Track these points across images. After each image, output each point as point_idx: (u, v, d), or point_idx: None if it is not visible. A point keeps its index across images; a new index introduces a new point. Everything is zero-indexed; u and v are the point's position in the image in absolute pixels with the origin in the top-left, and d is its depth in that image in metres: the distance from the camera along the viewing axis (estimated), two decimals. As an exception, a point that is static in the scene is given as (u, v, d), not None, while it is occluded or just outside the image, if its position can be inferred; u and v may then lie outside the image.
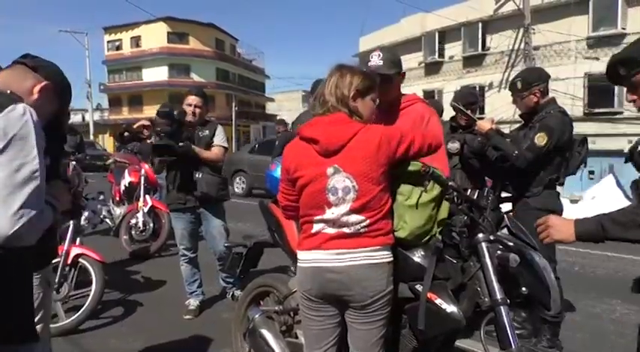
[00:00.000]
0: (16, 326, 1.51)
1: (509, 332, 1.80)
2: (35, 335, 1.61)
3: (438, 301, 1.87)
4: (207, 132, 4.03)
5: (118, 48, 41.66)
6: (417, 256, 2.02)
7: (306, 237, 1.96)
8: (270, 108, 50.03)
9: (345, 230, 1.87)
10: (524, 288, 1.86)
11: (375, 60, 2.49)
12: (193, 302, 4.12)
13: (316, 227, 1.92)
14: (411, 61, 26.68)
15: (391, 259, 1.91)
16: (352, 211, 1.85)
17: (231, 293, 4.17)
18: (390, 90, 2.52)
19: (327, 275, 1.89)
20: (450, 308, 1.85)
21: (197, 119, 4.02)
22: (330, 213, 1.88)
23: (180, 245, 4.10)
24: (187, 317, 4.03)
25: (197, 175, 3.88)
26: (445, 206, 2.02)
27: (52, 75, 1.69)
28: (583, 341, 3.73)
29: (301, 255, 1.98)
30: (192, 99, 4.00)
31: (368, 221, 1.86)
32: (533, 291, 1.87)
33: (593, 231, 1.72)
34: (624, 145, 19.74)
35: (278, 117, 9.61)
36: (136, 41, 40.50)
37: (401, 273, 2.02)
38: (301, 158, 1.96)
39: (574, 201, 12.25)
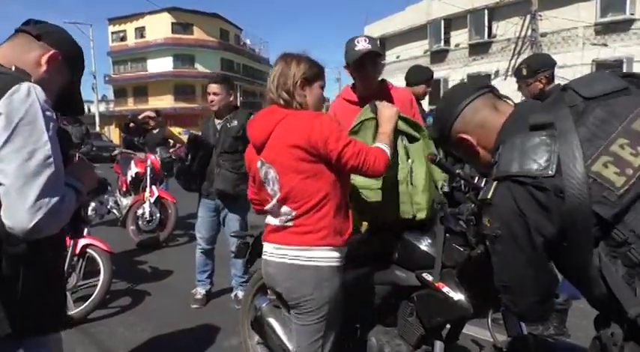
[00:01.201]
0: (51, 315, 1.47)
1: (516, 319, 1.80)
2: (66, 321, 1.59)
3: (446, 289, 1.87)
4: (235, 123, 3.84)
5: (123, 39, 41.63)
6: (424, 245, 2.01)
7: (265, 227, 2.00)
8: (275, 97, 49.87)
9: (277, 222, 1.86)
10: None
11: (363, 43, 2.54)
12: (200, 291, 4.13)
13: (267, 218, 1.95)
14: (416, 49, 26.55)
15: (323, 264, 1.80)
16: (280, 202, 1.85)
17: (234, 294, 4.12)
18: (377, 72, 2.63)
19: (268, 268, 1.92)
20: (458, 296, 1.84)
21: (218, 107, 3.88)
22: (269, 205, 1.90)
23: (198, 233, 4.11)
24: (194, 306, 4.05)
25: (217, 170, 3.86)
26: (436, 169, 2.07)
27: (60, 42, 1.45)
28: (590, 329, 3.71)
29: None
30: (209, 87, 3.94)
31: (294, 213, 1.82)
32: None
33: None
34: (632, 132, 19.58)
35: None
36: (140, 32, 40.44)
37: (408, 262, 2.02)
38: (249, 153, 2.00)
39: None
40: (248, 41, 46.82)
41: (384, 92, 2.74)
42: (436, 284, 1.89)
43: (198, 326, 3.64)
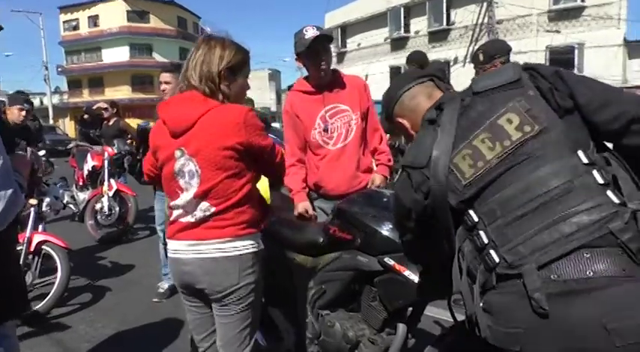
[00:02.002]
0: (14, 301, 1.49)
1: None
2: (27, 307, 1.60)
3: (407, 272, 1.89)
4: None
5: (75, 28, 40.20)
6: (386, 229, 2.03)
7: (169, 224, 1.88)
8: (236, 87, 49.29)
9: (191, 219, 1.76)
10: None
11: (312, 31, 2.55)
12: (164, 285, 4.07)
13: (174, 213, 1.82)
14: (377, 36, 26.65)
15: (246, 251, 1.78)
16: (197, 197, 1.73)
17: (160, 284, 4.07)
18: (330, 57, 2.64)
19: (181, 266, 1.82)
20: (419, 278, 1.87)
21: (170, 97, 3.81)
22: (180, 199, 1.77)
23: (158, 226, 4.03)
24: (156, 299, 3.99)
25: None
26: None
27: None
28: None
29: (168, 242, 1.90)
30: (161, 76, 3.84)
31: (214, 209, 1.73)
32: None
33: None
34: (584, 116, 20.32)
35: (245, 97, 9.45)
36: (93, 21, 39.14)
37: (370, 247, 2.04)
38: (158, 138, 1.84)
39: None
40: (208, 29, 45.89)
41: (338, 80, 2.75)
42: (397, 268, 1.91)
43: (161, 320, 3.59)
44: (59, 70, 40.82)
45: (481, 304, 1.20)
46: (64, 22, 40.68)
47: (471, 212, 1.23)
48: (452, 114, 1.31)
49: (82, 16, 39.58)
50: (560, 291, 1.06)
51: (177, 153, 1.75)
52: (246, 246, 1.78)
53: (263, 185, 2.16)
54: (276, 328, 2.50)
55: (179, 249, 1.81)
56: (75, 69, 40.27)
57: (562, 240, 1.08)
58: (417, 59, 4.49)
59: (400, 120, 1.57)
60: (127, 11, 37.52)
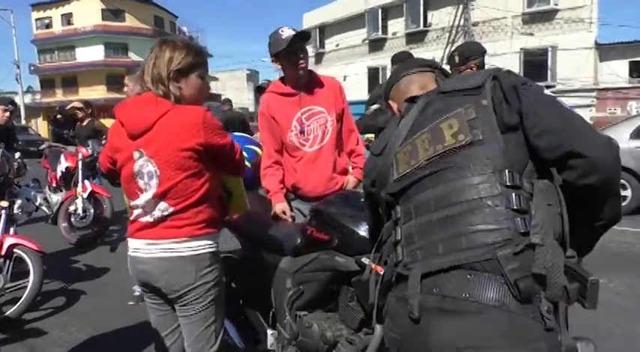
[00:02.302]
0: None
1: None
2: None
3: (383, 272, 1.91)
4: None
5: (48, 26, 39.32)
6: (363, 230, 2.04)
7: (130, 223, 1.89)
8: (214, 87, 48.91)
9: (149, 218, 1.77)
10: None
11: (288, 31, 2.55)
12: (139, 288, 4.01)
13: (134, 213, 1.84)
14: (354, 37, 26.76)
15: (203, 251, 1.79)
16: (156, 197, 1.75)
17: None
18: (307, 57, 2.65)
19: (139, 265, 1.83)
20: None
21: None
22: (140, 199, 1.78)
23: None
24: (131, 303, 3.94)
25: None
26: None
27: None
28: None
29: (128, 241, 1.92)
30: (125, 79, 3.79)
31: (172, 209, 1.74)
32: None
33: None
34: (557, 117, 20.77)
35: (223, 97, 9.37)
36: (67, 19, 38.34)
37: (348, 248, 2.05)
38: (117, 140, 1.84)
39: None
40: (185, 29, 45.47)
41: (314, 81, 2.75)
42: (374, 268, 1.92)
43: (136, 324, 3.53)
44: (32, 68, 39.87)
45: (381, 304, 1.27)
46: (36, 19, 39.76)
47: (398, 207, 1.26)
48: (416, 109, 1.35)
49: (55, 14, 38.75)
50: (435, 307, 1.07)
51: (136, 155, 1.76)
52: (202, 246, 1.79)
53: (239, 187, 2.15)
54: (253, 329, 2.50)
55: (137, 247, 1.83)
56: (48, 68, 39.38)
57: (451, 254, 1.08)
58: (402, 59, 4.54)
59: (390, 102, 1.63)
60: (102, 9, 36.87)
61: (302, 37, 2.58)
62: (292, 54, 2.57)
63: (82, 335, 3.39)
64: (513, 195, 1.08)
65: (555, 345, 1.01)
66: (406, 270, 1.16)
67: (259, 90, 5.81)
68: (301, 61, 2.61)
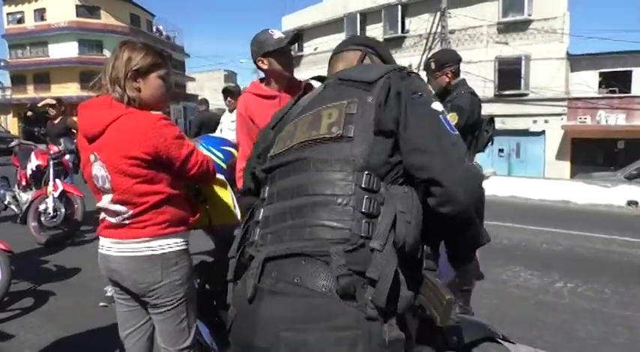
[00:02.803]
0: None
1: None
2: None
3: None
4: None
5: (20, 21, 38.36)
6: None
7: (100, 221, 1.90)
8: (191, 87, 48.48)
9: (113, 220, 1.78)
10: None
11: (278, 33, 2.56)
12: (112, 289, 3.95)
13: (102, 213, 1.85)
14: (333, 41, 26.79)
15: (170, 250, 1.79)
16: (114, 202, 1.75)
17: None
18: (292, 59, 2.65)
19: (107, 263, 1.84)
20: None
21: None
22: (102, 201, 1.80)
23: None
24: (102, 304, 3.86)
25: None
26: None
27: None
28: (491, 306, 4.02)
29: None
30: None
31: (130, 212, 1.74)
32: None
33: None
34: (529, 125, 21.22)
35: (200, 97, 9.26)
36: (40, 14, 37.48)
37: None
38: (80, 141, 1.86)
39: (485, 178, 13.02)
40: (161, 28, 44.95)
41: (295, 84, 2.72)
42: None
43: (108, 325, 3.47)
44: (2, 64, 38.85)
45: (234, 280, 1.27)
46: (7, 14, 38.77)
47: (266, 187, 1.27)
48: (317, 90, 1.37)
49: (28, 8, 37.85)
50: (268, 289, 1.11)
51: (92, 158, 1.77)
52: (170, 244, 1.79)
53: (219, 195, 2.14)
54: (228, 331, 2.48)
55: (105, 245, 1.84)
56: (19, 63, 38.41)
57: (294, 242, 1.11)
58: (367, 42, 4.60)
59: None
60: (77, 6, 36.17)
61: (296, 39, 2.61)
62: (284, 55, 2.58)
63: (51, 336, 3.33)
64: (365, 197, 1.08)
65: (375, 334, 1.01)
66: (255, 252, 1.19)
67: (226, 92, 5.86)
68: (291, 63, 2.63)
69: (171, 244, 1.80)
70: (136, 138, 1.68)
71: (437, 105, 1.17)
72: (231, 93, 5.70)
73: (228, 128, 5.18)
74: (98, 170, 1.75)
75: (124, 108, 1.73)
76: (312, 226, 1.10)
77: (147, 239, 1.76)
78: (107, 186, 1.74)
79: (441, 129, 1.14)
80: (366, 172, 1.10)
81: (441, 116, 1.16)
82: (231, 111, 5.39)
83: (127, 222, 1.76)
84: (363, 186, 1.09)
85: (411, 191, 1.12)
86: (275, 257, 1.12)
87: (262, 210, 1.24)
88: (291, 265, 1.09)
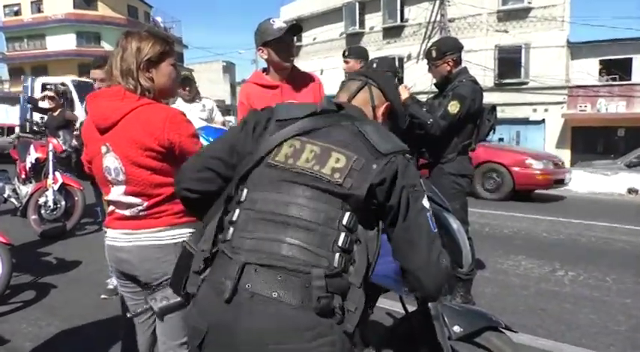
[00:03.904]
0: None
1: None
2: None
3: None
4: None
5: (17, 13, 38.17)
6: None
7: (107, 214, 1.89)
8: (190, 79, 48.18)
9: (126, 212, 1.77)
10: (439, 249, 1.94)
11: (280, 22, 2.54)
12: (112, 281, 3.95)
13: (110, 206, 1.84)
14: (332, 31, 26.73)
15: (182, 240, 1.72)
16: (126, 193, 1.74)
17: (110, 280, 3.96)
18: (294, 48, 2.63)
19: (117, 254, 1.83)
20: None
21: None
22: (112, 194, 1.78)
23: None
24: (104, 296, 3.88)
25: None
26: None
27: None
28: (492, 295, 4.03)
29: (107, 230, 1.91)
30: (92, 73, 3.64)
31: (145, 204, 1.74)
32: (448, 251, 1.96)
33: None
34: (529, 114, 21.17)
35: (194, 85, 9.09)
36: (37, 6, 37.27)
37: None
38: (87, 132, 1.83)
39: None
40: (159, 19, 44.67)
41: (295, 75, 2.74)
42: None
43: (109, 317, 3.48)
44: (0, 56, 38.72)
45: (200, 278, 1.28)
46: (4, 6, 38.53)
47: (245, 190, 1.30)
48: (333, 113, 1.42)
49: (25, 1, 37.62)
50: (246, 299, 1.15)
51: (103, 149, 1.74)
52: (183, 234, 1.77)
53: None
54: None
55: (115, 237, 1.82)
56: (17, 56, 38.25)
57: (273, 255, 1.18)
58: (358, 53, 4.59)
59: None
60: (74, -3, 35.99)
61: (295, 29, 2.58)
62: (283, 44, 2.56)
63: (53, 329, 3.33)
64: (343, 234, 1.20)
65: (346, 339, 1.16)
66: (232, 253, 1.21)
67: (187, 81, 5.20)
68: (290, 53, 2.60)
69: (185, 234, 1.77)
70: (153, 130, 1.67)
71: (426, 202, 1.30)
72: (190, 82, 5.27)
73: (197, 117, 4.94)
74: (111, 161, 1.72)
75: (138, 100, 1.72)
76: (291, 245, 1.18)
77: (161, 229, 1.75)
78: (121, 177, 1.72)
79: (428, 227, 1.28)
80: (350, 213, 1.22)
81: (429, 214, 1.30)
82: (187, 101, 5.09)
83: (141, 213, 1.75)
84: (344, 223, 1.21)
85: (377, 231, 1.27)
86: (251, 263, 1.17)
87: (238, 212, 1.27)
88: (266, 279, 1.15)
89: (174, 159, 1.73)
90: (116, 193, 1.76)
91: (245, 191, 1.29)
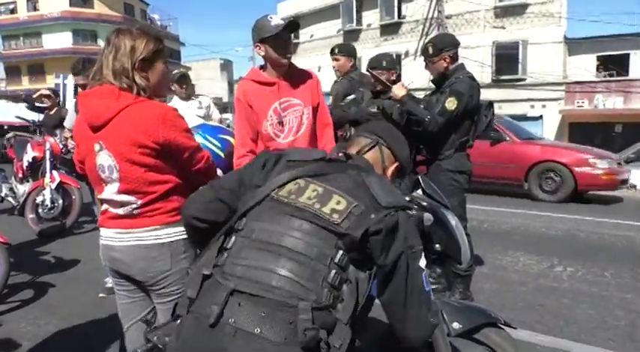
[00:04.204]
0: None
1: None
2: None
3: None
4: None
5: (13, 11, 38.01)
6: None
7: (101, 213, 1.88)
8: (187, 76, 48.06)
9: (119, 211, 1.76)
10: (437, 245, 1.94)
11: (277, 19, 2.52)
12: (112, 280, 3.94)
13: (104, 205, 1.83)
14: (329, 28, 26.67)
15: (178, 238, 1.78)
16: (120, 191, 1.73)
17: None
18: (292, 45, 2.62)
19: (111, 253, 1.82)
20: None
21: None
22: (105, 192, 1.77)
23: None
24: (102, 295, 3.87)
25: None
26: None
27: None
28: (491, 291, 4.03)
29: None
30: (75, 78, 3.59)
31: (140, 202, 1.73)
32: (446, 248, 1.96)
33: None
34: (527, 110, 21.18)
35: (196, 86, 9.10)
36: (33, 4, 37.13)
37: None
38: (79, 131, 1.81)
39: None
40: (156, 17, 44.53)
41: (292, 73, 2.72)
42: None
43: (108, 316, 3.47)
44: (-5, 55, 38.60)
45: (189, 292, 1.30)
46: (0, 4, 38.39)
47: (244, 219, 1.34)
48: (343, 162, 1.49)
49: (20, -1, 37.50)
50: (230, 332, 1.15)
51: (97, 147, 1.73)
52: (177, 233, 1.77)
53: None
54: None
55: (109, 236, 1.82)
56: (13, 54, 38.13)
57: (262, 285, 1.19)
58: (347, 50, 4.67)
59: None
60: (70, -5, 35.84)
61: (293, 26, 2.56)
62: (280, 41, 2.54)
63: (51, 328, 3.32)
64: (334, 272, 1.22)
65: None
66: (222, 278, 1.23)
67: (184, 79, 5.08)
68: (288, 50, 2.59)
69: (180, 232, 1.77)
70: (146, 127, 1.66)
71: (423, 261, 1.34)
72: (186, 80, 5.16)
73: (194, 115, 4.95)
74: (104, 159, 1.71)
75: (134, 98, 1.70)
76: (281, 276, 1.20)
77: (156, 227, 1.74)
78: (115, 175, 1.71)
79: (422, 287, 1.34)
80: (342, 252, 1.25)
81: (423, 274, 1.35)
82: (183, 99, 5.08)
83: (135, 212, 1.73)
84: (336, 261, 1.24)
85: (370, 275, 1.30)
86: (239, 292, 1.18)
87: (234, 239, 1.31)
88: (250, 314, 1.16)
89: (168, 156, 1.72)
90: (109, 191, 1.75)
91: (244, 220, 1.33)
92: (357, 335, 1.30)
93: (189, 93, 5.06)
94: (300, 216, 1.28)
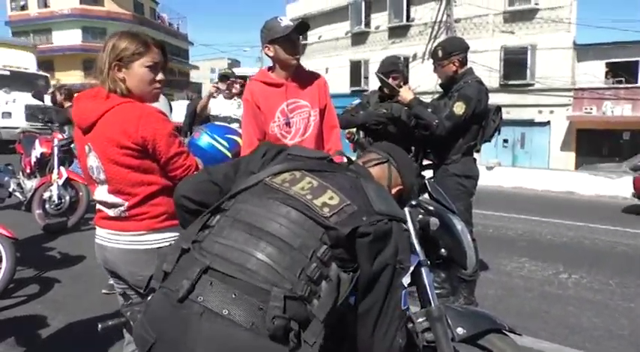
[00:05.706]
0: None
1: (429, 291, 1.88)
2: None
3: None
4: None
5: (24, 8, 38.23)
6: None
7: (96, 212, 1.91)
8: (195, 76, 48.32)
9: (110, 212, 1.78)
10: (443, 250, 1.94)
11: (287, 21, 2.54)
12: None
13: (98, 204, 1.86)
14: (337, 30, 26.68)
15: (165, 244, 1.77)
16: (109, 192, 1.76)
17: None
18: (300, 46, 2.64)
19: (104, 253, 1.85)
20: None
21: None
22: (97, 193, 1.80)
23: None
24: (105, 291, 3.89)
25: None
26: None
27: None
28: (495, 297, 4.02)
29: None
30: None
31: (127, 204, 1.75)
32: (452, 253, 1.96)
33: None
34: (534, 115, 21.10)
35: (203, 86, 9.20)
36: (43, 1, 37.33)
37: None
38: (76, 133, 1.85)
39: (490, 168, 13.01)
40: (165, 16, 44.73)
41: (300, 74, 2.73)
42: None
43: (112, 313, 3.48)
44: (5, 51, 38.82)
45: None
46: (11, 0, 38.65)
47: (232, 201, 1.31)
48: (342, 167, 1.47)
49: (31, -5, 37.75)
50: (197, 312, 1.11)
51: (86, 149, 1.77)
52: (166, 239, 1.78)
53: None
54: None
55: (102, 236, 1.85)
56: (23, 51, 38.37)
57: (238, 266, 1.15)
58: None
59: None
60: (81, -7, 36.05)
61: (302, 27, 2.58)
62: (290, 42, 2.56)
63: (56, 323, 3.34)
64: (314, 265, 1.16)
65: None
66: (199, 254, 1.20)
67: (223, 79, 5.33)
68: (297, 51, 2.60)
69: (168, 238, 1.79)
70: (126, 128, 1.67)
71: (406, 279, 1.31)
72: (227, 79, 5.28)
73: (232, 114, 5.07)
74: (93, 161, 1.75)
75: (120, 99, 1.72)
76: (259, 260, 1.16)
77: (144, 232, 1.76)
78: (102, 176, 1.74)
79: (399, 304, 1.30)
80: (326, 247, 1.19)
81: (404, 292, 1.31)
82: (226, 98, 5.20)
83: (124, 214, 1.76)
84: (318, 255, 1.18)
85: (352, 279, 1.22)
86: (215, 270, 1.15)
87: (219, 217, 1.28)
88: (220, 294, 1.12)
89: (153, 158, 1.73)
90: (100, 192, 1.79)
91: (232, 201, 1.31)
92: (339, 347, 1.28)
93: (231, 93, 5.18)
94: (289, 203, 1.25)
